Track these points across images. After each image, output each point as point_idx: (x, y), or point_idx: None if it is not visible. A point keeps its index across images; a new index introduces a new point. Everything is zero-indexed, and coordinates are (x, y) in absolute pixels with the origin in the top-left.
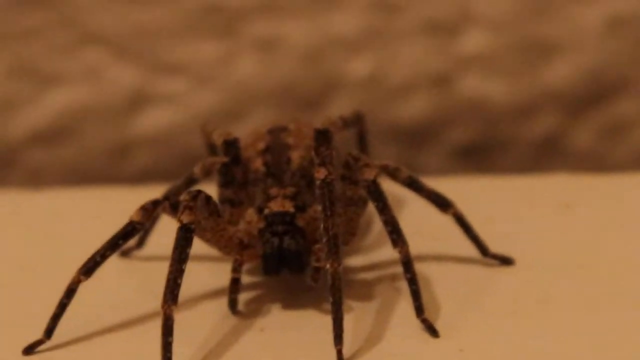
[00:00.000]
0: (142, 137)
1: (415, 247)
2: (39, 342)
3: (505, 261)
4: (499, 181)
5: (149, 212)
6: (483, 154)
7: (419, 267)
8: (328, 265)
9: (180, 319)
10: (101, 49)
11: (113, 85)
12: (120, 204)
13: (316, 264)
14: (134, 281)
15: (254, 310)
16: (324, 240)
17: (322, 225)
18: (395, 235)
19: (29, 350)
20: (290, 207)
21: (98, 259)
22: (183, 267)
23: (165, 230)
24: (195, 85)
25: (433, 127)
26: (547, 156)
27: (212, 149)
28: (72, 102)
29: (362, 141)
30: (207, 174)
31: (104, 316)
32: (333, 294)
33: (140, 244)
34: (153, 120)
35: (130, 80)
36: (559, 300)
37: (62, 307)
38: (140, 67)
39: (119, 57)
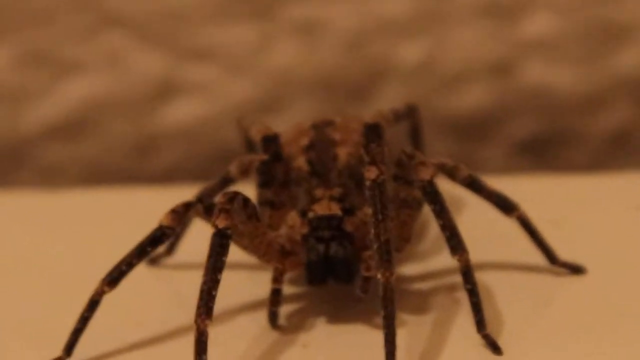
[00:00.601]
0: (170, 132)
1: (475, 254)
2: None
3: (576, 270)
4: (567, 180)
5: (180, 216)
6: (548, 150)
7: (480, 277)
8: (379, 275)
9: (215, 334)
10: (123, 33)
11: (136, 73)
12: (146, 206)
13: (366, 273)
14: (164, 292)
15: (297, 325)
16: (375, 246)
17: (372, 230)
18: (454, 241)
19: None
20: (337, 209)
21: (124, 267)
22: (218, 277)
23: (199, 236)
24: (229, 74)
25: (493, 120)
26: (619, 152)
27: (249, 146)
28: (91, 93)
29: (416, 136)
30: (244, 173)
31: (130, 332)
32: (385, 306)
33: (171, 250)
34: (182, 113)
35: (156, 68)
36: (635, 313)
37: (83, 321)
38: (167, 53)
39: (143, 42)
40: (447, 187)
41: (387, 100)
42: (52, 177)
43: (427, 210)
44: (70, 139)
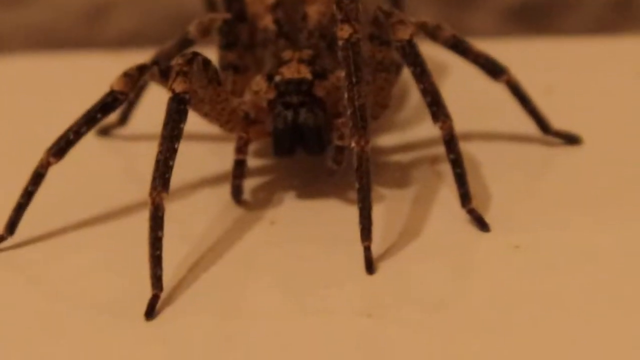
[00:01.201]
0: None
1: (460, 122)
2: None
3: (570, 139)
4: (562, 44)
5: (134, 80)
6: (542, 12)
7: (465, 147)
8: (353, 144)
9: (173, 209)
10: None
11: None
12: (98, 72)
13: (339, 142)
14: (116, 164)
15: (263, 200)
16: (349, 113)
17: (346, 95)
18: (436, 107)
19: None
20: (306, 73)
21: (71, 136)
22: (175, 146)
23: (154, 102)
24: None
25: None
26: (618, 15)
27: (210, 4)
28: None
29: None
30: (205, 33)
31: (78, 207)
32: (360, 178)
33: (123, 119)
34: None
35: None
36: (635, 186)
37: (27, 195)
38: None
39: None
40: (429, 49)
41: None
42: None
43: (406, 74)
44: (14, 3)
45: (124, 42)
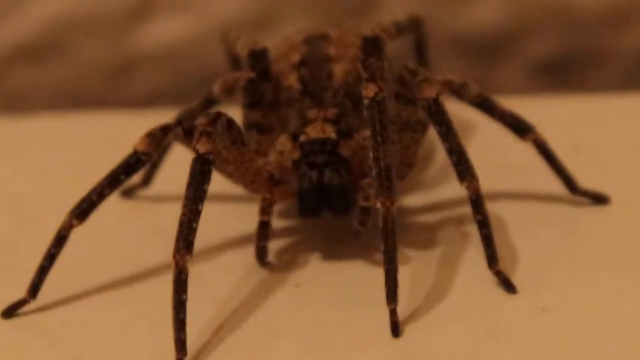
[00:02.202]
0: (150, 53)
1: (486, 182)
2: (21, 303)
3: (598, 199)
4: (590, 102)
5: (157, 140)
6: (570, 69)
7: (492, 207)
8: (379, 205)
9: (197, 272)
10: None
11: None
12: (121, 132)
13: (364, 203)
14: (139, 226)
15: (288, 262)
16: (374, 173)
17: (371, 155)
18: (463, 167)
19: (10, 312)
20: (331, 132)
21: (94, 198)
22: (199, 208)
23: (178, 163)
24: None
25: (509, 36)
26: None
27: (235, 63)
28: (62, 11)
29: (420, 52)
30: (229, 92)
31: (101, 270)
32: (385, 240)
33: (147, 180)
34: (162, 31)
35: None
36: None
37: (50, 258)
38: None
39: None
40: (455, 107)
41: (391, 12)
42: (22, 102)
43: (432, 132)
44: (40, 62)
45: (147, 101)
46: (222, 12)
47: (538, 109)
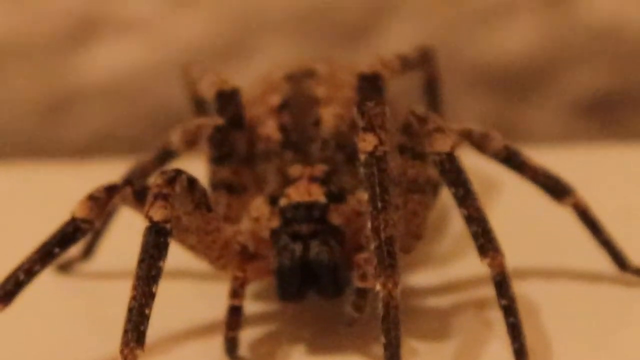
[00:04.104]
0: (91, 85)
1: (514, 257)
2: None
3: None
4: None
5: (101, 204)
6: (619, 111)
7: (521, 289)
8: (379, 286)
9: None
10: None
11: (48, 7)
12: (55, 189)
13: (360, 284)
14: (78, 310)
15: (264, 356)
16: (373, 247)
17: (369, 224)
18: (484, 239)
19: None
20: (319, 194)
21: (22, 277)
22: (153, 290)
23: (127, 232)
24: (171, 6)
25: (542, 71)
26: None
27: (199, 105)
28: None
29: (431, 92)
30: (191, 143)
31: None
32: (387, 330)
33: (88, 252)
34: (108, 60)
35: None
36: None
37: None
38: None
39: None
40: (475, 163)
41: (393, 42)
42: None
43: (446, 195)
44: None
45: (88, 148)
46: (185, 37)
47: (579, 160)
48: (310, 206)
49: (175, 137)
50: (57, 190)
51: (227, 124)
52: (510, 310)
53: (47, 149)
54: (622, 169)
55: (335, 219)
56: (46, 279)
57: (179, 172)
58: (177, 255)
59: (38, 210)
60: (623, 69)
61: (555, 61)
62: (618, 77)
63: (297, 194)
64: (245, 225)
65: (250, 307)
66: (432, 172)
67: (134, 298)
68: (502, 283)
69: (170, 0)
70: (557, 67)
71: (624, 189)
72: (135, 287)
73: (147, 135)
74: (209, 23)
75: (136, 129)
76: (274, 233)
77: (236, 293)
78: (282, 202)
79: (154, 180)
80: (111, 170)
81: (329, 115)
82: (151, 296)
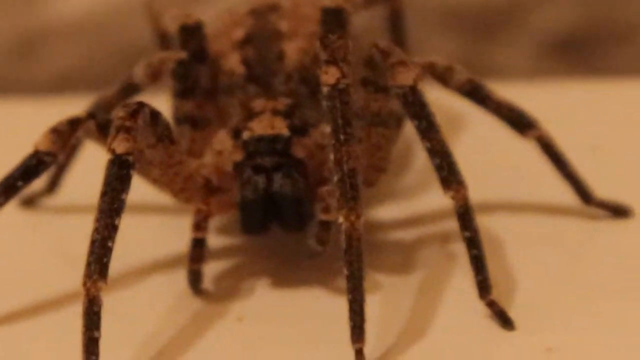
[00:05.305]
0: (56, 25)
1: (478, 190)
2: None
3: (618, 211)
4: (611, 87)
5: (64, 137)
6: (587, 47)
7: (485, 222)
8: (341, 218)
9: (113, 302)
10: None
11: None
12: (20, 123)
13: (323, 217)
14: (41, 244)
15: (228, 289)
16: (336, 179)
17: (332, 156)
18: (447, 171)
19: None
20: (283, 127)
21: None
22: (116, 223)
23: (89, 165)
24: None
25: (510, 9)
26: None
27: (163, 40)
28: None
29: (395, 26)
30: (154, 77)
31: None
32: (349, 263)
33: (52, 186)
34: None
35: None
36: None
37: None
38: None
39: None
40: (438, 97)
41: None
42: None
43: (409, 128)
44: None
45: (54, 85)
46: None
47: (546, 97)
48: (273, 139)
49: (138, 71)
50: (23, 126)
51: (191, 57)
52: (473, 243)
53: (15, 87)
54: (589, 105)
55: (299, 152)
56: (10, 213)
57: (141, 105)
58: (140, 189)
59: (4, 145)
60: (590, 6)
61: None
62: (585, 15)
63: (260, 127)
64: (208, 158)
65: (214, 240)
66: (395, 105)
67: (96, 231)
68: (465, 215)
69: None
70: (525, 5)
71: (590, 125)
72: (98, 220)
73: (116, 72)
74: None
75: (105, 66)
76: (237, 166)
77: (199, 226)
78: (245, 135)
79: (116, 113)
80: (79, 107)
81: (292, 49)
82: (114, 229)
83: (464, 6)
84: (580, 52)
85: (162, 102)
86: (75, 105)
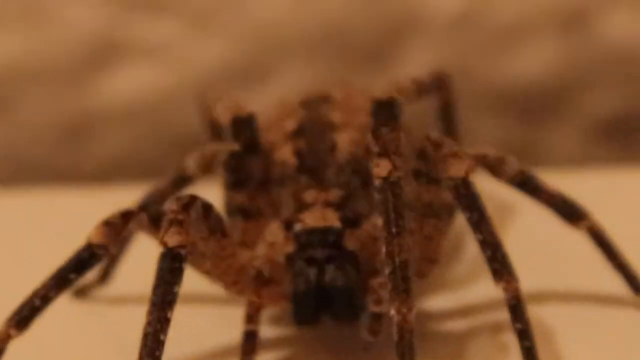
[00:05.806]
0: (108, 110)
1: (529, 281)
2: None
3: None
4: None
5: (116, 230)
6: (634, 134)
7: (535, 312)
8: (393, 311)
9: None
10: None
11: (66, 30)
12: (72, 214)
13: (375, 309)
14: (94, 336)
15: None
16: (388, 271)
17: (384, 249)
18: (498, 263)
19: None
20: (334, 220)
21: (37, 303)
22: (168, 316)
23: (143, 256)
24: (191, 31)
25: (559, 94)
26: None
27: (215, 130)
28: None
29: (447, 117)
30: (207, 169)
31: None
32: (401, 355)
33: (104, 278)
34: (125, 84)
35: (93, 22)
36: None
37: None
38: (109, 2)
39: None
40: (490, 187)
41: (412, 66)
42: None
43: (460, 220)
44: None
45: (104, 174)
46: (202, 61)
47: (595, 184)
48: (325, 231)
49: (190, 163)
50: (74, 216)
51: (243, 149)
52: (525, 334)
53: (65, 174)
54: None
55: (351, 244)
56: (62, 304)
57: (194, 198)
58: (193, 280)
59: (55, 236)
60: None
61: (572, 84)
62: (636, 100)
63: (312, 219)
64: (260, 250)
65: (266, 331)
66: (447, 197)
67: (149, 324)
68: (516, 307)
69: (188, 24)
70: (574, 90)
71: (634, 216)
72: (150, 313)
73: (165, 160)
74: (227, 47)
75: (154, 153)
76: (289, 258)
77: (251, 318)
78: (297, 227)
79: (169, 205)
80: (128, 196)
81: (344, 141)
82: (166, 322)
83: (513, 90)
84: (629, 138)
85: (213, 192)
86: (125, 194)
